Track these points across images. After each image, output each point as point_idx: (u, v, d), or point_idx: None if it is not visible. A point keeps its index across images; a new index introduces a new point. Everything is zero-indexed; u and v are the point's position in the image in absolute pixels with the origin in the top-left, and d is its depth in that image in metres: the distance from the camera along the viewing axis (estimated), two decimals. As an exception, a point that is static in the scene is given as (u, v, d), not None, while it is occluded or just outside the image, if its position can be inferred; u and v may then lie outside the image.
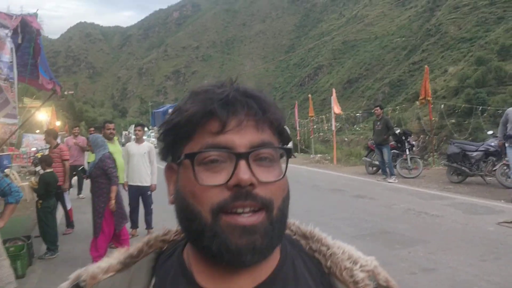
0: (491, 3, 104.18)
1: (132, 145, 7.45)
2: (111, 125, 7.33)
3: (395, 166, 12.57)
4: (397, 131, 12.90)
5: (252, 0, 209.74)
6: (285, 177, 0.71)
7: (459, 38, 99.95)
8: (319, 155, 21.68)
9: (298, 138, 26.13)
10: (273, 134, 0.72)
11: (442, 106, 25.22)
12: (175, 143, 0.72)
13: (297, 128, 26.70)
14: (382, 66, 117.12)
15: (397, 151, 13.01)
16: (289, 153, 0.72)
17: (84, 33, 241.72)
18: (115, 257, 0.79)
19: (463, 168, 10.90)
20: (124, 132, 62.71)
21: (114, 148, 7.15)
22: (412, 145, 13.03)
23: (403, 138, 12.91)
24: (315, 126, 27.51)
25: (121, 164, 7.12)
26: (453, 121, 55.10)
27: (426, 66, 14.80)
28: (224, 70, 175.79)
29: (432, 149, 19.03)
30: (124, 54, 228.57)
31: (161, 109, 37.98)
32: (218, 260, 0.66)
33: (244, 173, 0.65)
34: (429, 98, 14.16)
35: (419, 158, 13.54)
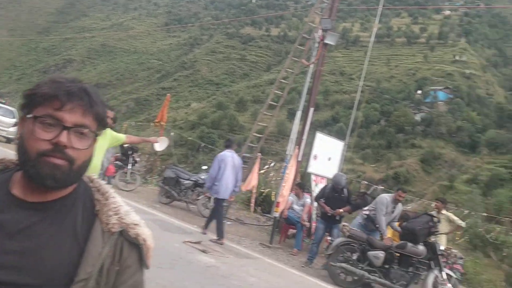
0: (241, 59, 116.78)
1: None
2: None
3: (114, 177, 13.11)
4: (126, 145, 13.54)
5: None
6: (89, 149, 1.14)
7: (208, 80, 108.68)
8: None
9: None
10: (94, 121, 1.14)
11: (172, 133, 27.06)
12: (31, 105, 1.12)
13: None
14: (133, 81, 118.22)
15: (121, 164, 13.61)
16: (96, 136, 1.16)
17: None
18: None
19: (173, 192, 12.15)
20: None
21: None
22: (136, 161, 13.84)
23: (130, 153, 13.61)
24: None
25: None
26: (183, 151, 59.10)
27: (168, 94, 16.05)
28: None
29: (155, 171, 20.34)
30: None
31: None
32: (34, 181, 1.10)
33: (63, 138, 1.08)
34: (163, 123, 15.28)
35: (139, 175, 14.39)
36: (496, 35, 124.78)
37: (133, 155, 13.63)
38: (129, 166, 13.44)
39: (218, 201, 9.01)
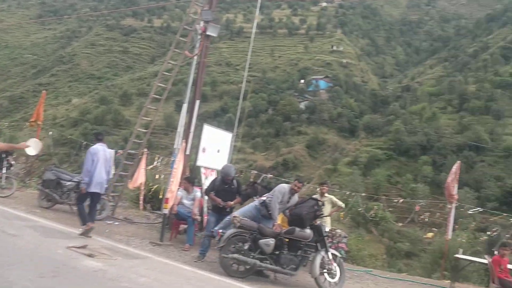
0: (124, 52, 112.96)
1: None
2: None
3: (-14, 183, 12.01)
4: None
5: None
6: None
7: (89, 74, 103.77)
8: None
9: None
10: None
11: (51, 133, 25.49)
12: None
13: None
14: (6, 78, 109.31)
15: (-6, 169, 12.50)
16: None
17: None
18: None
19: (54, 195, 11.42)
20: None
21: None
22: (11, 165, 12.78)
23: (3, 156, 12.53)
24: None
25: None
26: (65, 151, 55.93)
27: (43, 91, 15.03)
28: None
29: (34, 173, 18.98)
30: None
31: None
32: None
33: None
34: (39, 122, 14.30)
35: (15, 179, 13.33)
36: (368, 26, 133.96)
37: (7, 158, 12.56)
38: (4, 170, 12.39)
39: (84, 194, 9.02)
